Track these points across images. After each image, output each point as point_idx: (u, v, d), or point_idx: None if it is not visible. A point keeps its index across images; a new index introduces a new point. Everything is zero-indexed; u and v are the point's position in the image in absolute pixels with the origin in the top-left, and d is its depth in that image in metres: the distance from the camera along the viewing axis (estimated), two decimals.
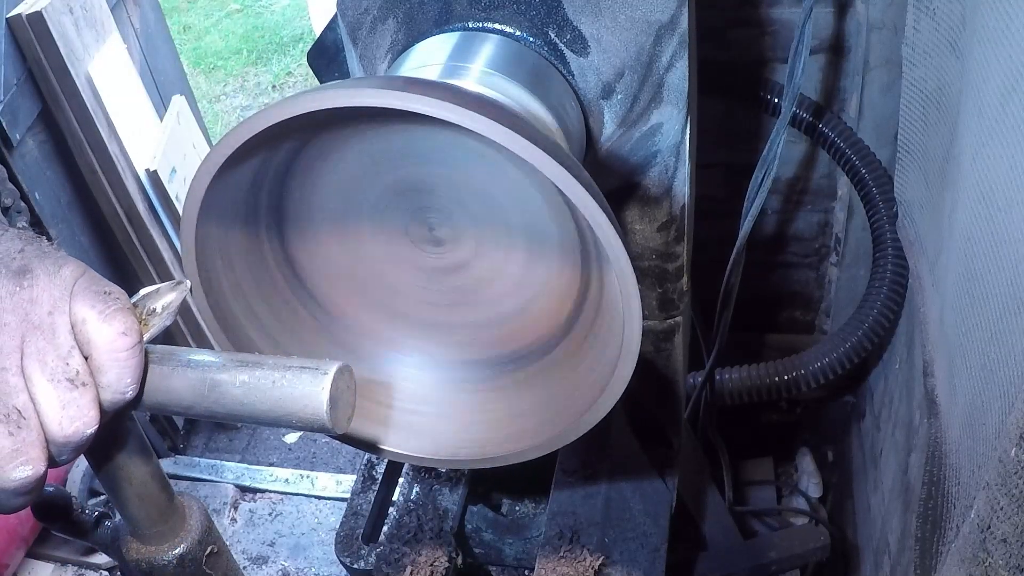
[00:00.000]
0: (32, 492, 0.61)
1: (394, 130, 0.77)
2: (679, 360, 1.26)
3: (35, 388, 0.60)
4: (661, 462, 1.35)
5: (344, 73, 1.12)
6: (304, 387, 0.64)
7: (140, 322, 0.66)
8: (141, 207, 2.65)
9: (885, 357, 2.00)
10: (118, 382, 0.63)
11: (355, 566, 1.28)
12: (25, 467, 0.59)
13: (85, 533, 0.83)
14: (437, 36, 0.96)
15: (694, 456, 1.80)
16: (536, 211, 0.83)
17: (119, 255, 2.72)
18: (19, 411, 0.59)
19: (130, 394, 0.64)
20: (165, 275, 2.75)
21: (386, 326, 0.96)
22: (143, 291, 0.69)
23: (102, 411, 0.63)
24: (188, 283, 0.71)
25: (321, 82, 1.08)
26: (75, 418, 0.61)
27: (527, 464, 0.89)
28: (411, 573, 1.18)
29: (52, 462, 0.62)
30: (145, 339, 0.66)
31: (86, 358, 0.62)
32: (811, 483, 2.52)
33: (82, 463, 2.59)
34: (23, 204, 2.29)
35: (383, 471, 1.39)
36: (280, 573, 2.74)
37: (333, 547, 1.33)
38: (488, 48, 0.93)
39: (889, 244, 1.78)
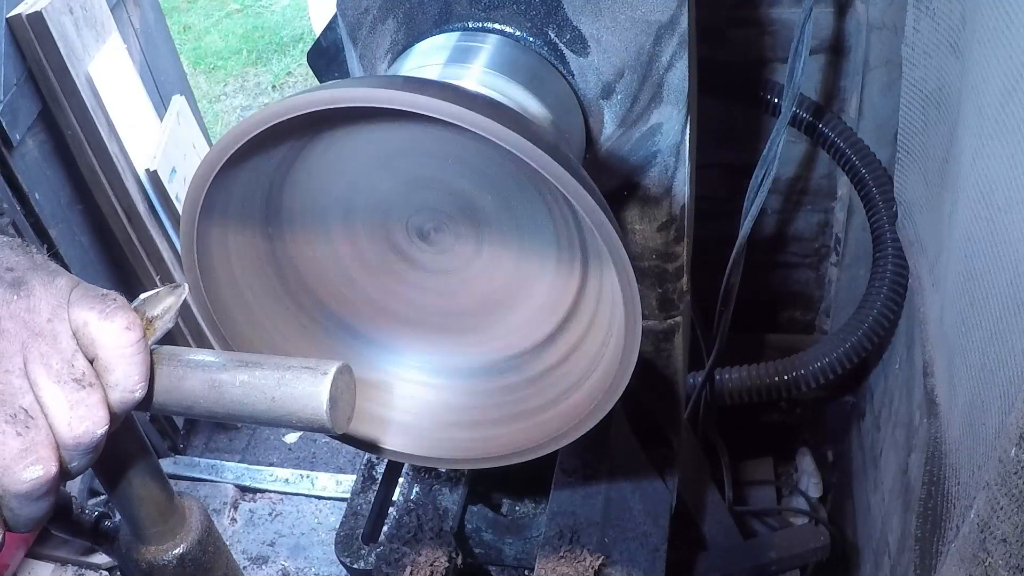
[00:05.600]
0: (45, 496, 0.60)
1: (394, 130, 0.77)
2: (679, 360, 1.27)
3: (41, 391, 0.59)
4: (661, 462, 1.35)
5: (344, 73, 1.12)
6: (304, 387, 0.64)
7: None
8: (141, 207, 2.65)
9: (885, 357, 2.00)
10: (126, 379, 0.62)
11: (355, 566, 1.28)
12: (36, 467, 0.58)
13: (85, 533, 0.83)
14: (437, 36, 0.96)
15: (694, 456, 1.80)
16: (536, 211, 0.83)
17: (119, 255, 2.71)
18: (26, 411, 0.58)
19: (139, 393, 0.64)
20: (165, 275, 2.75)
21: (386, 326, 0.96)
22: (141, 296, 0.69)
23: (111, 412, 0.62)
24: (186, 287, 0.71)
25: (321, 82, 1.08)
26: (84, 418, 0.60)
27: (527, 464, 0.89)
28: (411, 573, 1.18)
29: (64, 469, 0.61)
30: (148, 344, 0.66)
31: (91, 361, 0.61)
32: (811, 483, 2.52)
33: None
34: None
35: (383, 471, 1.39)
36: (280, 573, 2.74)
37: (333, 547, 1.33)
38: (488, 48, 0.93)
39: (889, 244, 1.78)
